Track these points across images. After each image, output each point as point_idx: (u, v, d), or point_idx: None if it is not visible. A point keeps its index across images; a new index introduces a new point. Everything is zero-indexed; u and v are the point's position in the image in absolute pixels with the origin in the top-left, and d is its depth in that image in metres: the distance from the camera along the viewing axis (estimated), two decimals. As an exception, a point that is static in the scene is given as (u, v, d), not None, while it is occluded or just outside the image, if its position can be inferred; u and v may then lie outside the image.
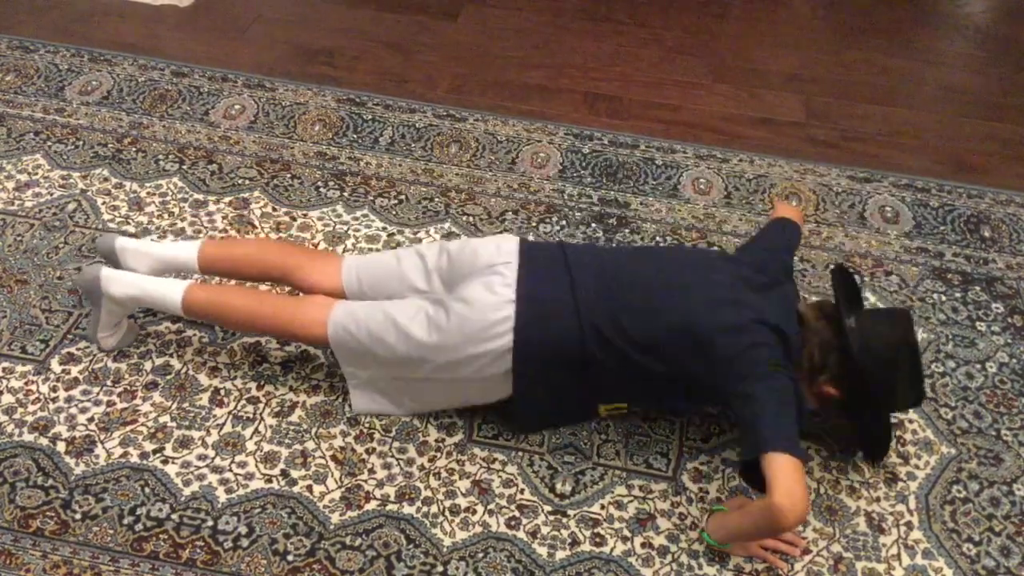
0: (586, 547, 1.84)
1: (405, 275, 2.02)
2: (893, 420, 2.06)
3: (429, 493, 1.91)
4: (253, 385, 2.09)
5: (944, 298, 2.38)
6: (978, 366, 2.22)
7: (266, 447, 1.97)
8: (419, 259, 2.03)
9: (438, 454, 1.98)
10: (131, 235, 2.35)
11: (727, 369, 1.77)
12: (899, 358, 1.84)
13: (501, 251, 1.94)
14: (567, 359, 1.86)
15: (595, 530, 1.87)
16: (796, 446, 1.68)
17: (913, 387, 1.88)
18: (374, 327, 1.90)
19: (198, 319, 2.11)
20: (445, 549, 1.83)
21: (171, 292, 1.99)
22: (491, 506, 1.90)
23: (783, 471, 1.64)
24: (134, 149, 2.68)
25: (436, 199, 2.59)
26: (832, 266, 2.10)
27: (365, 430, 2.01)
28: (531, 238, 2.38)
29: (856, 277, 2.03)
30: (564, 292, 1.87)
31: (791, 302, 1.91)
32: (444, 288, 1.98)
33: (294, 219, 2.49)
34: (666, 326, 1.82)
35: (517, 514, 1.89)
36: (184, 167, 2.63)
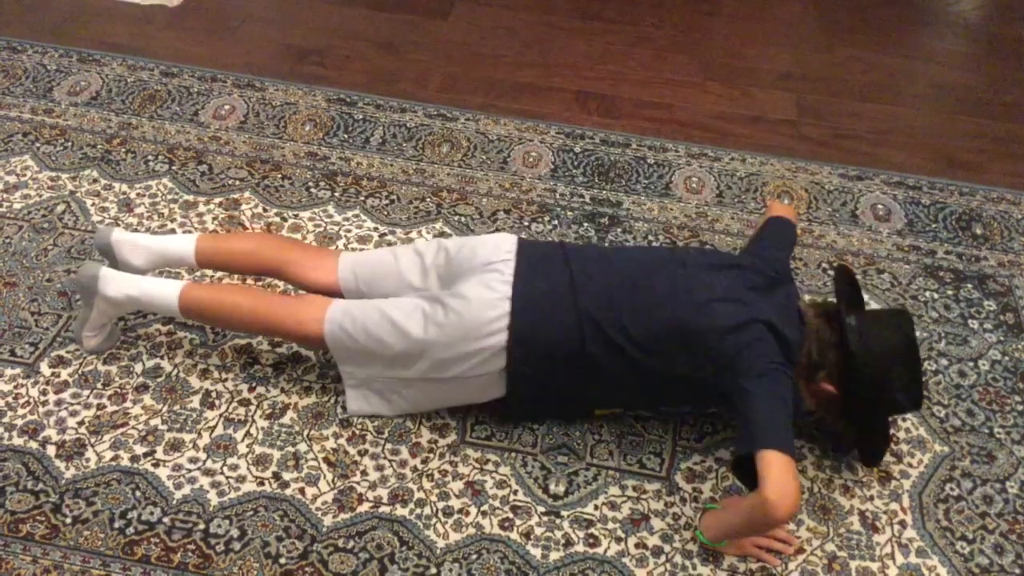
0: (580, 548, 1.84)
1: (402, 273, 2.01)
2: (889, 418, 2.06)
3: (422, 495, 1.90)
4: (244, 387, 2.08)
5: (936, 296, 2.38)
6: (971, 364, 2.22)
7: (258, 449, 1.96)
8: (417, 257, 2.03)
9: (431, 455, 1.97)
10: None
11: (726, 367, 1.77)
12: (897, 360, 1.84)
13: (499, 249, 1.94)
14: (564, 357, 1.85)
15: (589, 531, 1.87)
16: (789, 444, 1.69)
17: (911, 390, 1.87)
18: (371, 325, 1.89)
19: (194, 319, 2.10)
20: (438, 551, 1.82)
21: (167, 292, 1.98)
22: (484, 507, 1.89)
23: (775, 467, 1.64)
24: (123, 150, 2.66)
25: (427, 199, 2.58)
26: (835, 264, 2.10)
27: (357, 432, 2.00)
28: (524, 236, 2.37)
29: (857, 281, 2.03)
30: (562, 289, 1.87)
31: (792, 302, 1.91)
32: (441, 286, 1.97)
33: (285, 220, 2.48)
34: (666, 324, 1.82)
35: (511, 515, 1.88)
36: (174, 168, 2.61)
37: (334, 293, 2.03)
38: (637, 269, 1.93)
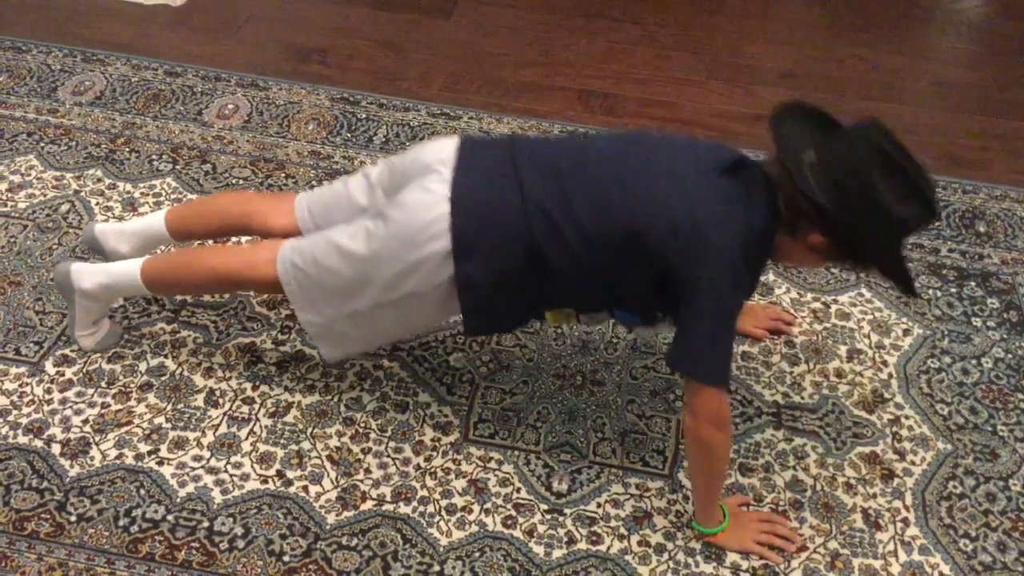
0: (583, 545, 1.84)
1: (351, 197, 1.94)
2: (890, 415, 2.07)
3: (425, 493, 1.91)
4: (248, 385, 2.08)
5: (939, 294, 2.38)
6: (974, 362, 2.22)
7: (262, 448, 1.97)
8: (363, 178, 1.94)
9: (434, 453, 1.98)
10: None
11: (681, 272, 1.64)
12: (873, 173, 1.56)
13: (440, 150, 1.80)
14: (511, 253, 1.71)
15: (592, 528, 1.87)
16: (724, 377, 1.67)
17: (912, 197, 1.57)
18: (318, 254, 1.82)
19: (161, 292, 2.10)
20: (442, 548, 1.82)
21: (131, 269, 1.98)
22: (487, 505, 1.90)
23: (703, 399, 1.66)
24: (127, 149, 2.67)
25: (431, 198, 2.58)
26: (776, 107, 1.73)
27: (361, 430, 2.00)
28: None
29: (816, 108, 1.74)
30: (505, 180, 1.72)
31: (757, 175, 1.70)
32: (386, 200, 1.86)
33: (288, 219, 2.48)
34: (620, 219, 1.67)
35: (513, 513, 1.89)
36: (178, 167, 2.62)
37: (297, 235, 1.97)
38: (592, 156, 1.76)
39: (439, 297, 1.77)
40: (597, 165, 1.74)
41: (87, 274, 2.00)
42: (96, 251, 2.17)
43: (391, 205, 1.78)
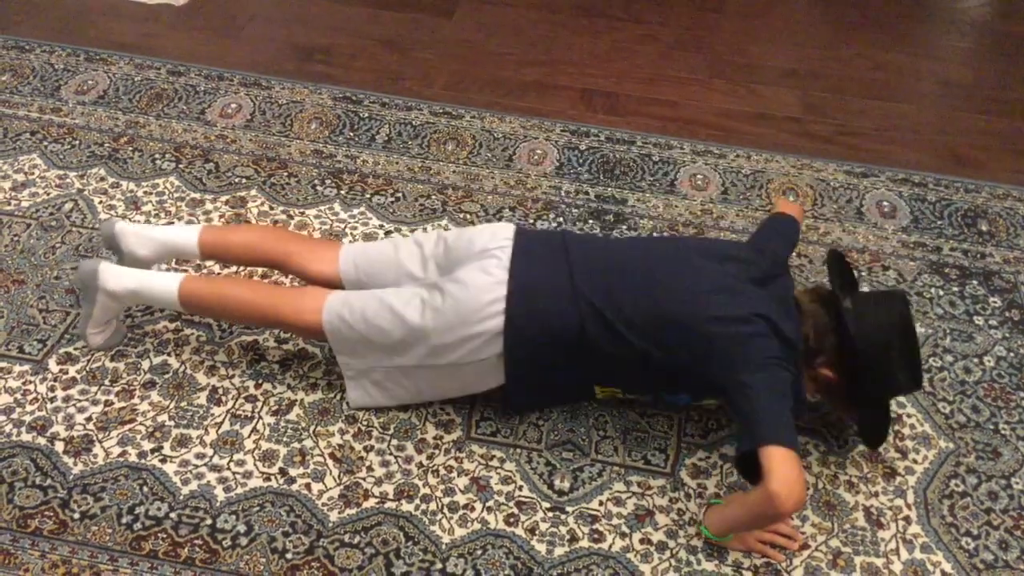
0: (584, 543, 1.85)
1: (402, 263, 2.02)
2: (892, 412, 2.07)
3: (427, 490, 1.91)
4: (251, 383, 2.09)
5: (942, 292, 2.38)
6: (976, 360, 2.22)
7: (264, 445, 1.97)
8: (416, 247, 2.03)
9: (436, 451, 1.98)
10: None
11: (725, 359, 1.77)
12: (895, 340, 1.83)
13: (497, 236, 1.94)
14: (561, 341, 1.85)
15: (593, 526, 1.87)
16: (792, 438, 1.69)
17: (910, 370, 1.86)
18: (369, 313, 1.90)
19: (194, 312, 2.11)
20: (444, 546, 1.83)
21: (167, 284, 1.99)
22: (490, 503, 1.90)
23: (780, 461, 1.65)
24: (130, 148, 2.67)
25: (433, 196, 2.58)
26: (828, 250, 2.10)
27: (363, 428, 2.01)
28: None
29: (853, 271, 2.04)
30: (560, 273, 1.87)
31: (788, 292, 1.91)
32: (440, 274, 1.97)
33: (291, 217, 2.49)
34: (666, 312, 1.81)
35: (516, 511, 1.89)
36: (181, 166, 2.63)
37: (335, 285, 2.04)
38: (637, 256, 1.93)
39: (481, 369, 1.89)
40: (644, 265, 1.90)
41: (114, 277, 2.00)
42: (111, 249, 2.16)
43: (449, 281, 1.89)
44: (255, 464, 1.94)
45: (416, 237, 2.07)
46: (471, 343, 1.85)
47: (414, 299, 1.89)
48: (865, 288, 2.36)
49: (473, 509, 1.89)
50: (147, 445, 1.96)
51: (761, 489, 1.66)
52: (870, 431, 1.97)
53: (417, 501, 1.89)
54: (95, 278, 2.00)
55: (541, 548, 1.83)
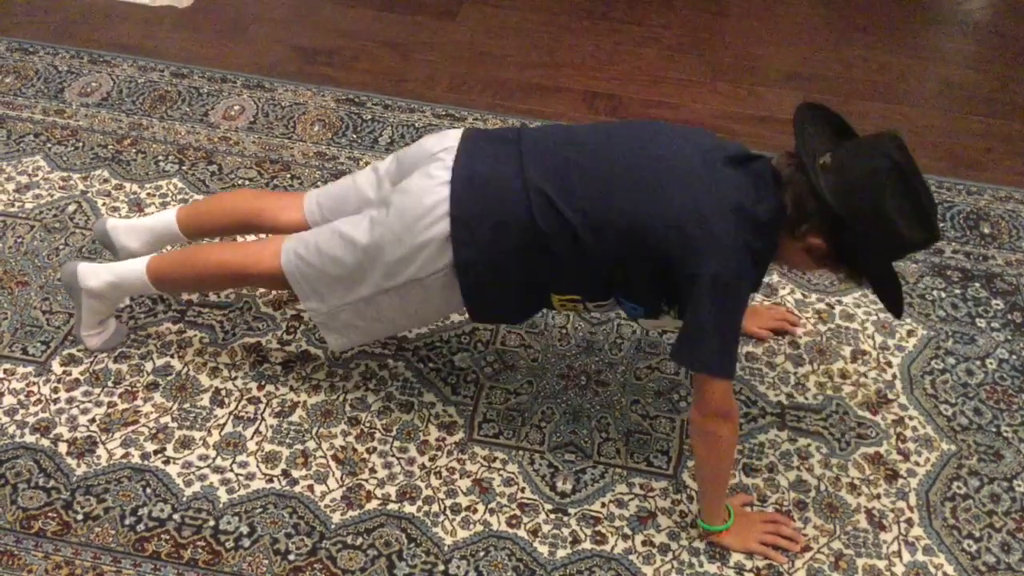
0: (587, 545, 1.85)
1: (360, 189, 1.96)
2: (893, 415, 2.07)
3: (430, 492, 1.91)
4: (254, 385, 2.09)
5: (944, 295, 2.38)
6: (978, 362, 2.22)
7: (267, 447, 1.98)
8: (372, 172, 1.96)
9: (439, 453, 1.98)
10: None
11: (685, 261, 1.63)
12: (886, 186, 1.57)
13: (445, 139, 1.82)
14: (512, 238, 1.71)
15: (596, 528, 1.87)
16: (729, 367, 1.66)
17: (916, 217, 1.59)
18: (321, 243, 1.84)
19: (167, 290, 2.11)
20: (446, 548, 1.83)
21: (137, 267, 1.99)
22: (492, 505, 1.90)
23: (709, 391, 1.67)
24: (134, 150, 2.68)
25: (436, 198, 2.58)
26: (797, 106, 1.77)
27: (366, 429, 2.01)
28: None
29: (835, 114, 1.78)
30: (508, 164, 1.73)
31: (765, 167, 1.71)
32: (392, 190, 1.87)
33: (294, 219, 2.49)
34: (628, 210, 1.66)
35: (518, 513, 1.89)
36: (184, 168, 2.63)
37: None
38: (600, 144, 1.76)
39: (440, 283, 1.78)
40: (604, 153, 1.73)
41: (93, 273, 2.01)
42: (107, 247, 2.18)
43: (395, 192, 1.80)
44: (258, 466, 1.94)
45: (374, 163, 1.99)
46: (422, 253, 1.74)
47: (363, 220, 1.81)
48: (867, 293, 2.36)
49: (475, 511, 1.89)
50: (150, 447, 1.96)
51: (696, 429, 1.70)
52: (887, 297, 1.74)
53: (420, 503, 1.89)
54: (75, 279, 2.01)
55: (543, 550, 1.84)
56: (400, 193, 1.78)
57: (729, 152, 1.72)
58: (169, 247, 2.20)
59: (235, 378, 2.10)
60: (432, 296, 1.82)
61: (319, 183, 2.60)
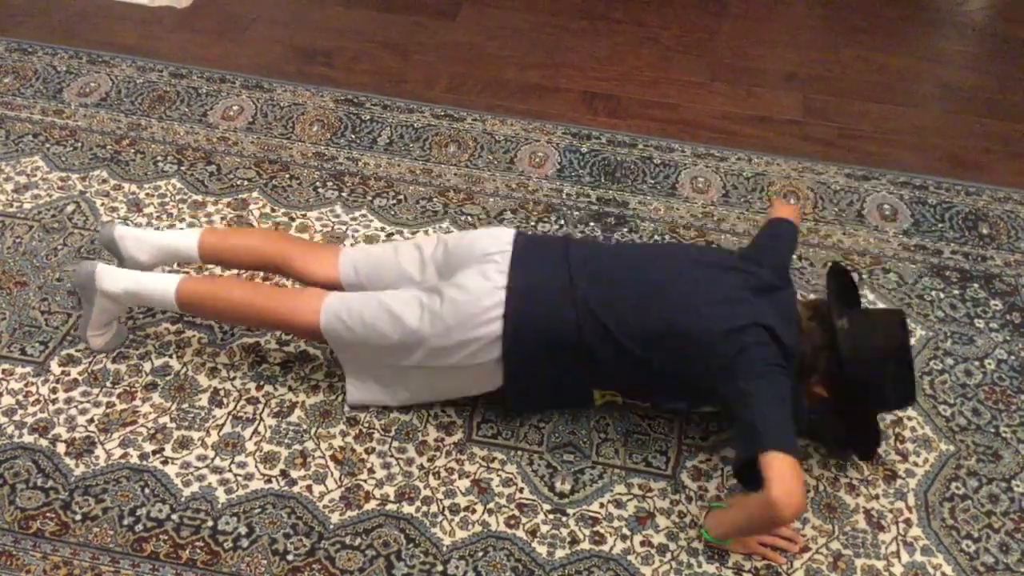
0: (585, 545, 1.85)
1: (402, 266, 2.02)
2: (892, 416, 2.07)
3: (429, 492, 1.91)
4: (252, 386, 2.09)
5: (943, 295, 2.39)
6: (976, 363, 2.22)
7: (266, 447, 1.97)
8: (416, 251, 2.04)
9: (437, 453, 1.98)
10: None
11: (725, 369, 1.77)
12: (888, 361, 1.85)
13: (498, 240, 1.94)
14: (560, 347, 1.85)
15: (594, 528, 1.87)
16: (793, 444, 1.69)
17: (901, 389, 1.89)
18: (367, 315, 1.90)
19: (192, 313, 2.12)
20: (445, 548, 1.83)
21: (165, 284, 1.99)
22: (491, 505, 1.90)
23: (781, 467, 1.65)
24: (133, 150, 2.68)
25: (434, 199, 2.59)
26: (829, 264, 2.12)
27: (364, 430, 2.01)
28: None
29: (854, 275, 2.05)
30: (560, 279, 1.87)
31: (791, 305, 1.90)
32: (439, 278, 1.97)
33: (293, 219, 2.49)
34: (665, 321, 1.81)
35: (517, 513, 1.89)
36: (183, 168, 2.63)
37: (335, 288, 2.04)
38: (639, 265, 1.94)
39: (480, 372, 1.90)
40: (646, 274, 1.90)
41: (111, 278, 2.00)
42: (111, 252, 2.16)
43: (448, 285, 1.89)
44: (256, 466, 1.94)
45: (417, 241, 2.07)
46: (469, 347, 1.85)
47: (412, 302, 1.89)
48: (866, 291, 2.36)
49: (474, 511, 1.89)
50: (149, 447, 1.96)
51: (761, 496, 1.66)
52: (860, 444, 1.99)
53: (418, 503, 1.89)
54: (92, 279, 2.00)
55: (542, 550, 1.83)
56: (455, 288, 1.87)
57: (753, 282, 1.88)
58: (177, 265, 2.20)
59: (234, 378, 2.10)
60: (468, 382, 1.96)
61: (318, 184, 2.60)
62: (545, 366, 1.89)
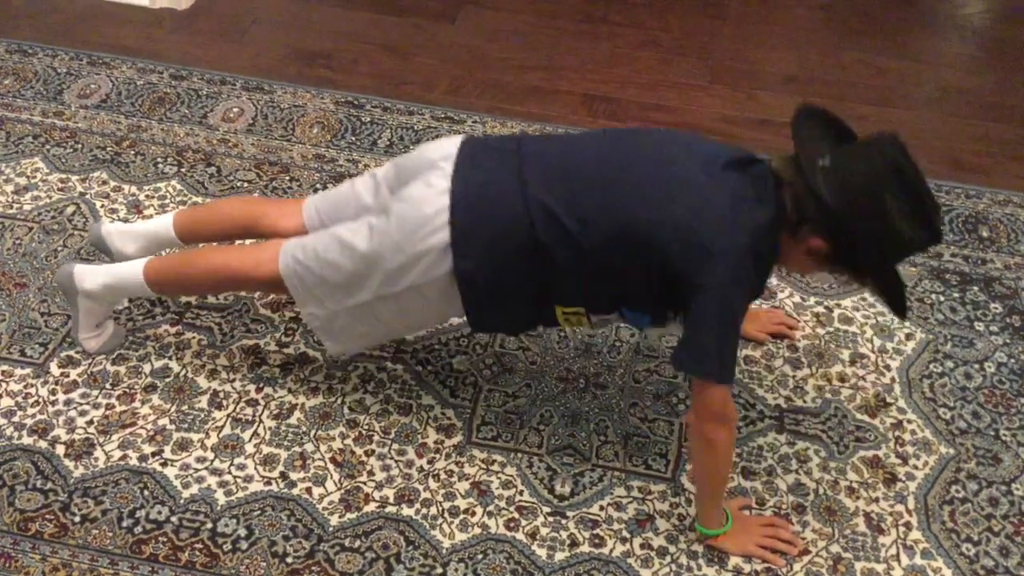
0: (585, 548, 1.85)
1: (359, 195, 1.96)
2: (892, 419, 2.07)
3: (428, 495, 1.91)
4: (252, 387, 2.09)
5: (942, 298, 2.39)
6: (976, 366, 2.22)
7: (265, 449, 1.97)
8: (371, 178, 1.96)
9: (437, 456, 1.98)
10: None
11: (687, 276, 1.64)
12: (886, 186, 1.57)
13: (444, 147, 1.83)
14: (514, 250, 1.72)
15: (594, 531, 1.87)
16: (730, 374, 1.67)
17: (917, 217, 1.58)
18: (320, 249, 1.84)
19: (165, 293, 2.12)
20: (444, 551, 1.83)
21: (134, 270, 1.99)
22: (490, 508, 1.90)
23: (711, 401, 1.68)
24: (133, 152, 2.68)
25: (434, 201, 2.58)
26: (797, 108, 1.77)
27: (364, 432, 2.01)
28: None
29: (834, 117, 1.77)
30: (508, 176, 1.73)
31: (766, 171, 1.70)
32: (391, 197, 1.87)
33: (293, 221, 2.49)
34: (625, 216, 1.67)
35: (516, 515, 1.89)
36: (183, 170, 2.63)
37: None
38: (601, 154, 1.76)
39: (439, 291, 1.79)
40: (604, 162, 1.74)
41: (90, 275, 2.01)
42: (102, 251, 2.18)
43: (394, 200, 1.80)
44: (256, 468, 1.94)
45: (372, 169, 2.00)
46: (422, 261, 1.75)
47: (363, 227, 1.81)
48: (866, 296, 2.36)
49: (474, 514, 1.89)
50: (148, 449, 1.96)
51: (694, 433, 1.70)
52: (890, 299, 1.73)
53: (418, 505, 1.89)
54: (71, 280, 2.01)
55: (542, 553, 1.83)
56: (400, 201, 1.78)
57: (729, 156, 1.72)
58: (165, 251, 2.20)
59: (233, 380, 2.10)
60: (431, 303, 1.83)
61: (318, 185, 2.60)
62: (501, 275, 1.76)
